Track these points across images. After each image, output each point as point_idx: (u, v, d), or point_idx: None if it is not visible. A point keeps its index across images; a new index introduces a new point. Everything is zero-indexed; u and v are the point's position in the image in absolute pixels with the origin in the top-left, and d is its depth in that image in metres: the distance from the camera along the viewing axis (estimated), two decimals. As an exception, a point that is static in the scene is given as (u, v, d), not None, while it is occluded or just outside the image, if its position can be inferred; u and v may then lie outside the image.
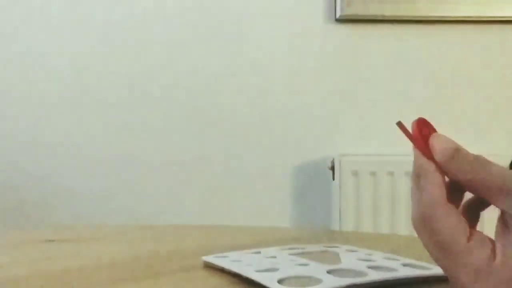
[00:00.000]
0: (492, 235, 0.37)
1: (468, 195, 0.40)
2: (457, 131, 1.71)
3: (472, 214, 0.41)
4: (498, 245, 0.36)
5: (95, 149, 1.73)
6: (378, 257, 0.53)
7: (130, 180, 1.73)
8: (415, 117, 0.40)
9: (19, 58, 1.74)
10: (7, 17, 1.73)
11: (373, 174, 1.60)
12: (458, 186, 0.39)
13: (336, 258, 0.53)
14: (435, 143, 0.38)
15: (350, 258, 0.52)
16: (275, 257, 0.53)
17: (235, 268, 0.47)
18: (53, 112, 1.73)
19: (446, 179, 0.38)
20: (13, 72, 1.74)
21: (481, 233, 0.37)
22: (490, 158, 0.38)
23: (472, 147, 1.68)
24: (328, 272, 0.46)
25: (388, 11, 1.71)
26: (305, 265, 0.48)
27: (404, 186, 1.61)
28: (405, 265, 0.49)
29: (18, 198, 1.72)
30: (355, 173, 1.61)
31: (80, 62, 1.74)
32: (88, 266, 0.52)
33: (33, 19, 1.74)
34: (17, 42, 1.74)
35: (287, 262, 0.49)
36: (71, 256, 0.58)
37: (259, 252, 0.55)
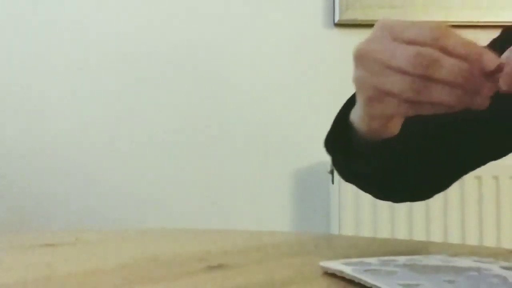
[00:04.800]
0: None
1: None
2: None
3: None
4: None
5: (94, 153, 1.73)
6: None
7: (130, 184, 1.73)
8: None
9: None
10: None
11: (372, 178, 1.60)
12: None
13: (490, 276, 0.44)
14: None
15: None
16: (413, 269, 0.46)
17: (371, 280, 0.42)
18: (49, 114, 1.73)
19: None
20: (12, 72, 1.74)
21: None
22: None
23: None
24: None
25: (387, 16, 1.71)
26: (451, 281, 0.42)
27: (403, 190, 1.61)
28: None
29: (16, 202, 1.72)
30: (354, 177, 1.61)
31: (74, 61, 1.74)
32: (88, 271, 0.53)
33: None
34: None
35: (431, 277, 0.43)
36: (70, 261, 0.58)
37: (393, 261, 0.49)
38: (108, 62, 1.73)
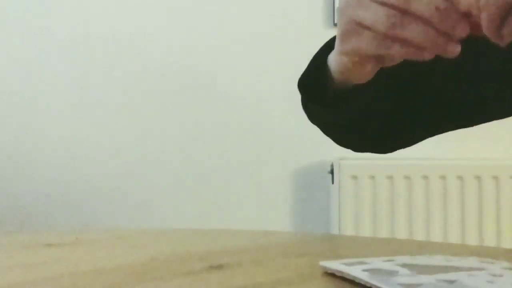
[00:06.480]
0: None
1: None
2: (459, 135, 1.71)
3: None
4: None
5: (94, 153, 1.73)
6: None
7: (130, 184, 1.73)
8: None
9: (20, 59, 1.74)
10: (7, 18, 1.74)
11: (372, 178, 1.61)
12: None
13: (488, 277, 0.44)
14: None
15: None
16: (413, 269, 0.46)
17: (371, 280, 0.42)
18: (50, 115, 1.73)
19: None
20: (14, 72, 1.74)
21: None
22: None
23: (475, 149, 1.69)
24: None
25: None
26: (451, 281, 0.42)
27: (403, 189, 1.61)
28: None
29: (17, 202, 1.72)
30: (355, 177, 1.61)
31: (75, 63, 1.74)
32: (88, 271, 0.53)
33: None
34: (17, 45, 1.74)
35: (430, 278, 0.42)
36: (70, 261, 0.58)
37: (392, 260, 0.49)
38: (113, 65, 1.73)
